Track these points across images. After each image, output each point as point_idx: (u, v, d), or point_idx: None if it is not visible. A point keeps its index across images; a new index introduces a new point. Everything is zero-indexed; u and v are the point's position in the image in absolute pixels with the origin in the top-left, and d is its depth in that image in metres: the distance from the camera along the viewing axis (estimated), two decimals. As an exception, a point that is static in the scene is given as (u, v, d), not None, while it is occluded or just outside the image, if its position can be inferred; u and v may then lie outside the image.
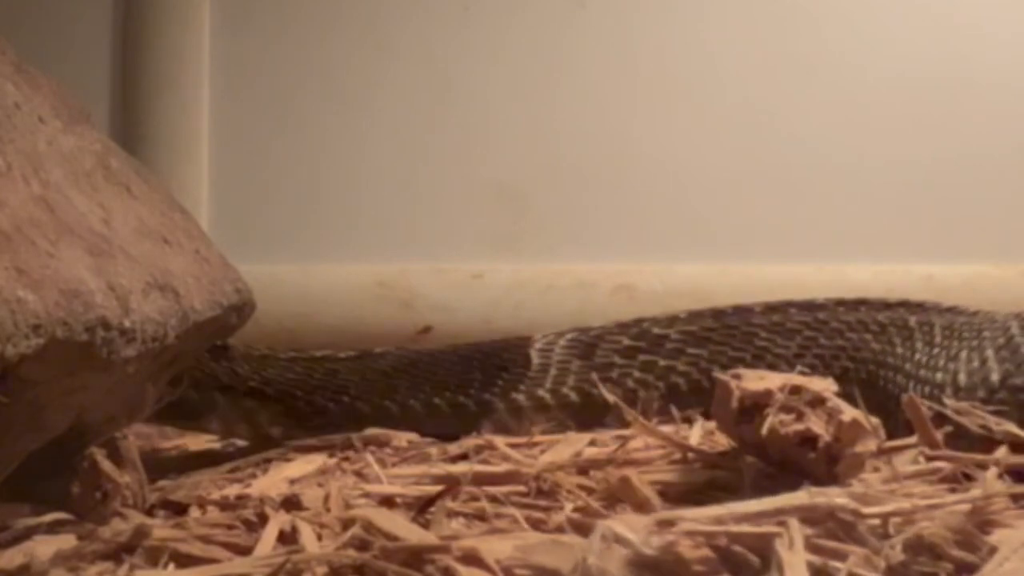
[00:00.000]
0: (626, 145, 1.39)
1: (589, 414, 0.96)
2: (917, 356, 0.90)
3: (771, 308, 1.01)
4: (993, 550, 0.54)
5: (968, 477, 0.69)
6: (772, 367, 0.94)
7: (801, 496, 0.55)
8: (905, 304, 0.97)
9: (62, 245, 0.65)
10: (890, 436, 0.75)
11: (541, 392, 0.98)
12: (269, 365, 0.98)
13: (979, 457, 0.71)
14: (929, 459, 0.72)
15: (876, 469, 0.70)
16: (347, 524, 0.62)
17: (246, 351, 0.98)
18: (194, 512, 0.72)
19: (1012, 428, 0.75)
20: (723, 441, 0.79)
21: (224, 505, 0.73)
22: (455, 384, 0.98)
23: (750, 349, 0.98)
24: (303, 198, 1.39)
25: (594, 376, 0.97)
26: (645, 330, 1.01)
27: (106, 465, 0.71)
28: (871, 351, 0.95)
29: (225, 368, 0.96)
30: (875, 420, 0.68)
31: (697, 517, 0.53)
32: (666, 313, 1.02)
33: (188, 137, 1.37)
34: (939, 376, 0.86)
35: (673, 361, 0.98)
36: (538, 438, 0.93)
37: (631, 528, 0.51)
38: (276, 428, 0.96)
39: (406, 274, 1.35)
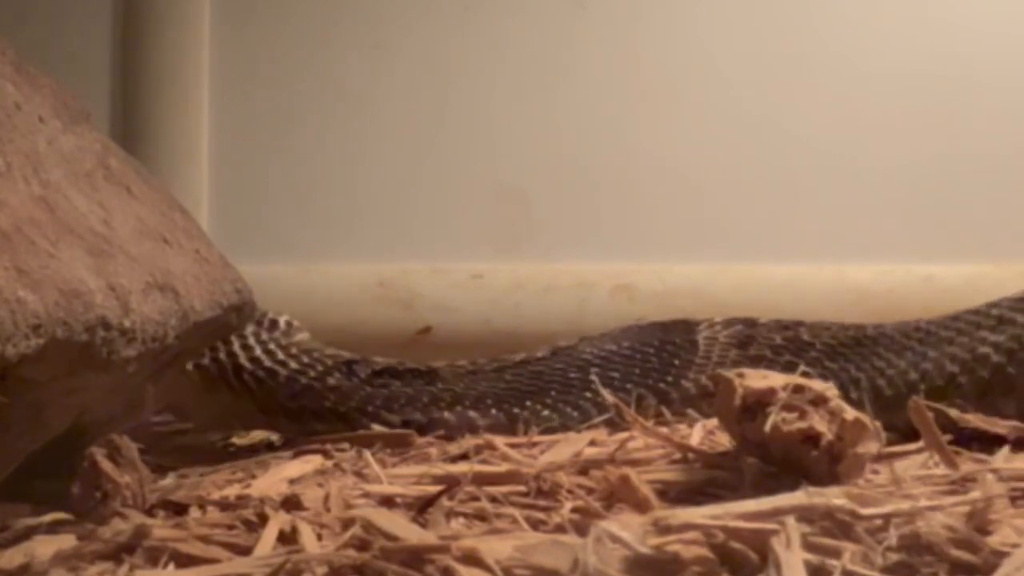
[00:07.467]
0: (626, 145, 1.39)
1: None
2: None
3: (902, 328, 1.02)
4: (995, 552, 0.54)
5: (970, 479, 0.69)
6: (877, 390, 0.95)
7: (799, 496, 0.55)
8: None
9: (62, 245, 0.65)
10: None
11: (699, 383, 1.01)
12: (481, 379, 1.01)
13: (992, 464, 0.71)
14: (948, 467, 0.72)
15: (875, 472, 0.70)
16: (347, 524, 0.62)
17: (453, 369, 1.01)
18: (194, 512, 0.72)
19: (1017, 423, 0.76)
20: (723, 441, 0.79)
21: (224, 505, 0.72)
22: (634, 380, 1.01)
23: (868, 369, 0.98)
24: (303, 198, 1.39)
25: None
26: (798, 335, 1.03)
27: (106, 465, 0.71)
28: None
29: (442, 390, 1.00)
30: (877, 423, 0.68)
31: (693, 516, 0.53)
32: (822, 322, 1.04)
33: (188, 137, 1.37)
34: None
35: (812, 369, 0.99)
36: (538, 438, 0.93)
37: (626, 528, 0.51)
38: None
39: (406, 274, 1.35)
